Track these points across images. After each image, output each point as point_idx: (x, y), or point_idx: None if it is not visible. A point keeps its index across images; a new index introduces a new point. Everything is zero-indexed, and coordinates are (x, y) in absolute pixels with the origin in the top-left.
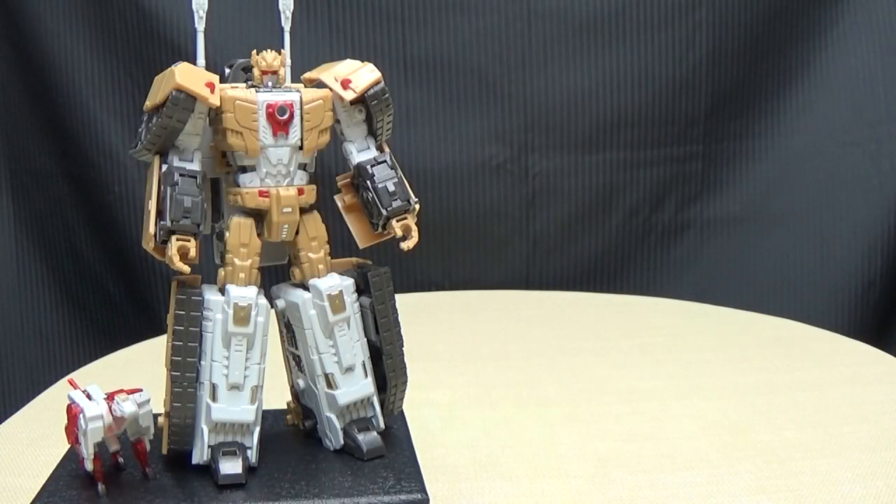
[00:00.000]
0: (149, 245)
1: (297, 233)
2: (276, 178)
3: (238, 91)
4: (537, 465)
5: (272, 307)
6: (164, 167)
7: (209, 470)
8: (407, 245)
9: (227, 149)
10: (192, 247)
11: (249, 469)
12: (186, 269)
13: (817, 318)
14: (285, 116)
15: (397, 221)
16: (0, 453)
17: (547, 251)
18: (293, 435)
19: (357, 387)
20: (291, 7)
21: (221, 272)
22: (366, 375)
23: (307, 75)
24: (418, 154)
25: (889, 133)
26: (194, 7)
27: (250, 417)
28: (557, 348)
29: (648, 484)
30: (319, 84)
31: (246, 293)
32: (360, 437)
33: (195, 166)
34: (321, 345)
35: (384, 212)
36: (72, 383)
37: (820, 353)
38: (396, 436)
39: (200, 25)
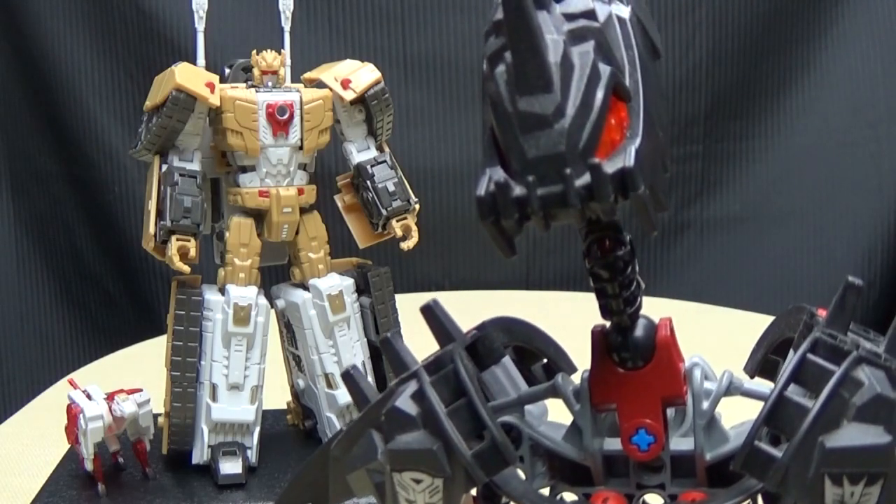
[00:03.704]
0: (149, 245)
1: (297, 233)
2: (276, 178)
3: (238, 91)
4: None
5: (272, 307)
6: (164, 167)
7: (209, 470)
8: (407, 245)
9: (228, 149)
10: (191, 247)
11: (249, 469)
12: (186, 268)
13: None
14: (285, 116)
15: (397, 221)
16: (0, 453)
17: (547, 251)
18: (293, 435)
19: None
20: (291, 7)
21: (221, 272)
22: (366, 375)
23: (307, 75)
24: (418, 154)
25: (889, 133)
26: (194, 7)
27: (250, 417)
28: None
29: None
30: (319, 84)
31: (246, 293)
32: None
33: (195, 166)
34: (321, 345)
35: (384, 212)
36: (72, 383)
37: None
38: None
39: (200, 25)
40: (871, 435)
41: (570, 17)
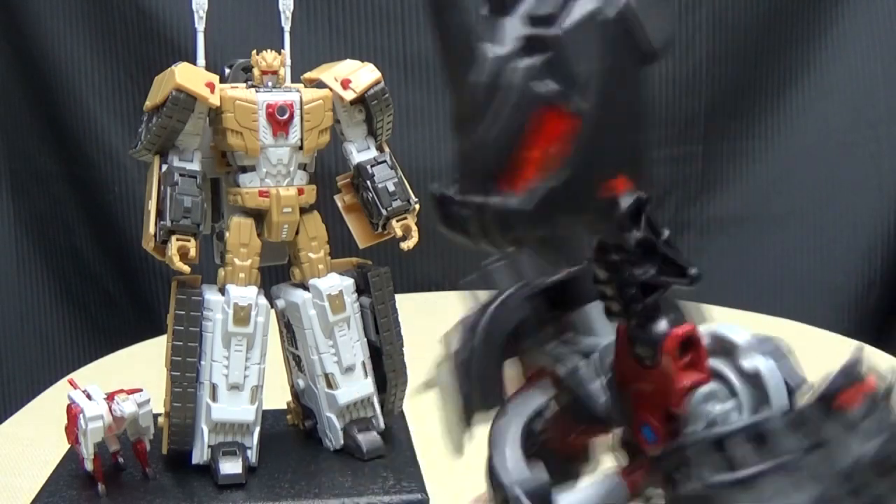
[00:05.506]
0: (149, 245)
1: (297, 233)
2: (276, 178)
3: (238, 91)
4: None
5: (272, 307)
6: (164, 167)
7: (209, 470)
8: (407, 245)
9: (228, 149)
10: (191, 247)
11: (249, 469)
12: (186, 268)
13: (817, 318)
14: (285, 116)
15: (397, 221)
16: (0, 453)
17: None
18: (293, 435)
19: (357, 387)
20: (291, 7)
21: (221, 272)
22: (366, 375)
23: (307, 75)
24: (418, 154)
25: (889, 133)
26: (194, 7)
27: (250, 417)
28: None
29: None
30: (319, 84)
31: (246, 293)
32: (360, 436)
33: (195, 166)
34: (321, 345)
35: (384, 212)
36: (72, 383)
37: (820, 353)
38: (396, 436)
39: (200, 25)
40: None
41: (533, 20)
